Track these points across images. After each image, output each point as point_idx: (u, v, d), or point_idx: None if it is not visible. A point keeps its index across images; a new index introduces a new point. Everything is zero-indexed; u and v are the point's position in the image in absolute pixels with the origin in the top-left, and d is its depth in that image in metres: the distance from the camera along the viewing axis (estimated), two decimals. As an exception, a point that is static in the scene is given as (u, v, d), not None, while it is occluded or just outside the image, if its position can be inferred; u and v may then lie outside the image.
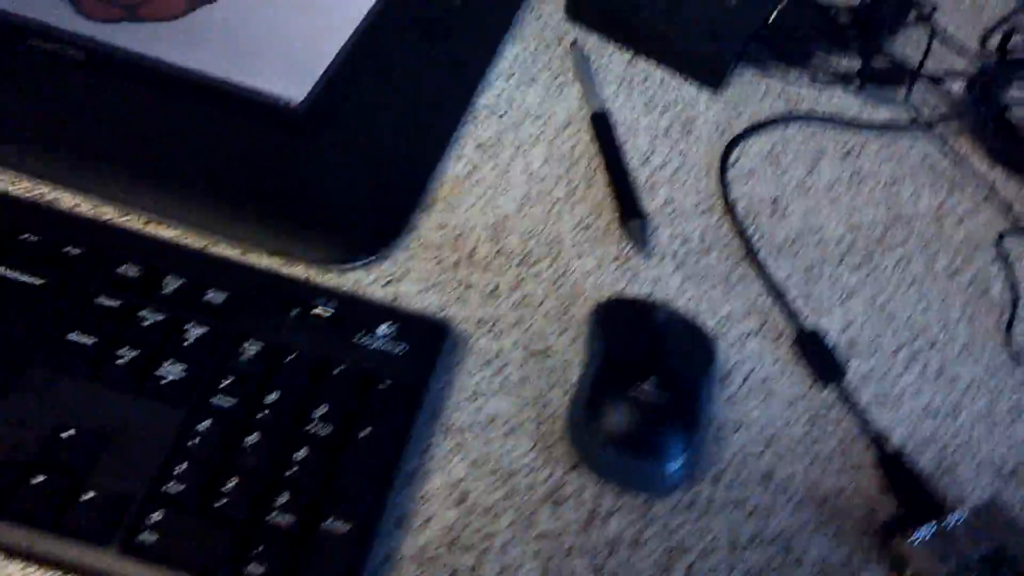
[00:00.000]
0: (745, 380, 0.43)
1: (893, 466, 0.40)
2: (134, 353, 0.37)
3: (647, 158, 0.52)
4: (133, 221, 0.43)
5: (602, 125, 0.52)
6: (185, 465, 0.34)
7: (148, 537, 0.33)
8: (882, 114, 0.57)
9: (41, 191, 0.44)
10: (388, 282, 0.44)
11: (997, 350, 0.46)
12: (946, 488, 0.41)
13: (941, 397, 0.44)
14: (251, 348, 0.38)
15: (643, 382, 0.38)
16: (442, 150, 0.49)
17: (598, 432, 0.37)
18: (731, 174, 0.52)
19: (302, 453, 0.35)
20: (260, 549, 0.33)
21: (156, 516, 0.33)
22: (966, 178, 0.54)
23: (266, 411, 0.36)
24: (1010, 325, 0.47)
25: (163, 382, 0.37)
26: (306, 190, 0.45)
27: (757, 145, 0.54)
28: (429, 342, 0.40)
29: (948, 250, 0.50)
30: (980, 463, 0.42)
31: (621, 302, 0.42)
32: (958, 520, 0.38)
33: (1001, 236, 0.51)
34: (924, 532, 0.37)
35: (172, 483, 0.34)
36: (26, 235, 0.40)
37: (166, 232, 0.43)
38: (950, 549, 0.37)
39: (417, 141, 0.49)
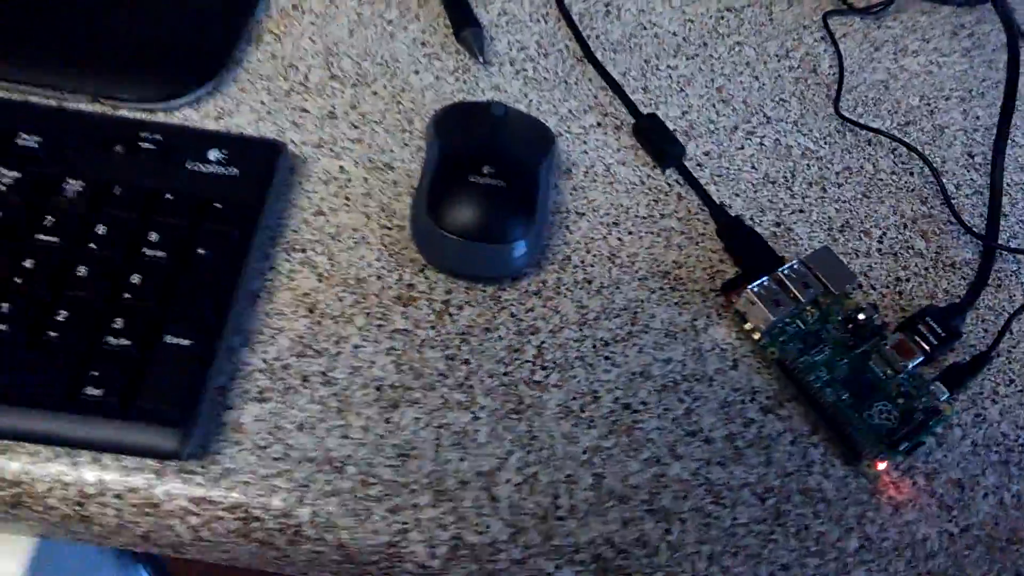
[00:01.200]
0: (588, 170, 0.41)
1: (731, 231, 0.39)
2: (-58, 204, 0.33)
3: (480, -27, 0.48)
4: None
5: (431, -57, 0.48)
6: (8, 305, 0.31)
7: (-24, 378, 0.30)
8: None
9: None
10: (219, 116, 0.40)
11: (827, 120, 0.45)
12: (784, 247, 0.40)
13: (778, 167, 0.43)
14: (73, 186, 0.34)
15: (480, 167, 0.35)
16: (264, -20, 0.45)
17: (438, 225, 0.35)
18: (565, -19, 0.49)
19: (136, 279, 0.33)
20: (96, 373, 0.30)
21: (-17, 357, 0.30)
22: (794, -35, 0.52)
23: (93, 244, 0.33)
24: (837, 97, 0.46)
25: (-21, 229, 0.33)
26: (123, 29, 0.41)
27: (590, -49, 0.50)
28: (263, 162, 0.37)
29: (778, 34, 0.49)
30: (814, 222, 0.41)
31: (457, 106, 0.40)
32: (789, 269, 0.37)
33: (826, 16, 0.50)
34: (758, 283, 0.36)
35: (-2, 324, 0.31)
36: None
37: (-29, 85, 0.39)
38: (783, 296, 0.36)
39: (237, -27, 0.44)
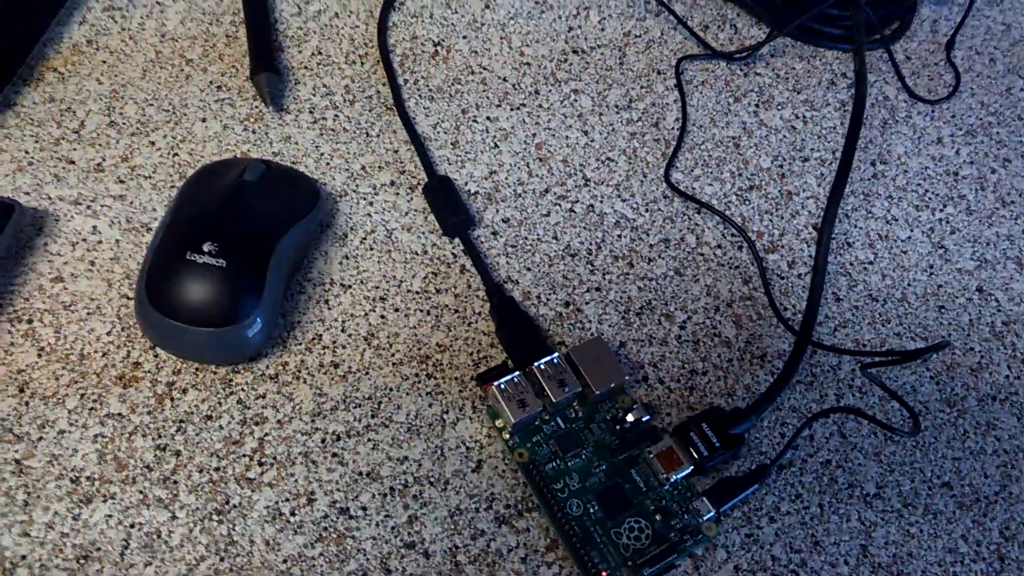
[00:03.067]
0: (368, 236, 0.39)
1: (503, 313, 0.37)
2: None
3: (302, 7, 0.46)
4: None
5: (248, -27, 0.46)
6: None
7: None
8: (576, -61, 0.52)
9: None
10: (-24, 165, 0.39)
11: (655, 184, 0.43)
12: (567, 332, 0.38)
13: (583, 237, 0.41)
14: None
15: (200, 246, 0.34)
16: (53, 14, 0.43)
17: (156, 307, 0.34)
18: (395, 18, 0.47)
19: None
20: None
21: None
22: (660, 4, 0.49)
23: None
24: (672, 159, 0.43)
25: None
26: None
27: (430, -17, 0.48)
28: (-9, 226, 0.36)
29: (625, 81, 0.46)
30: (610, 303, 0.39)
31: (214, 165, 0.38)
32: (547, 363, 0.35)
33: (680, 62, 0.47)
34: (508, 378, 0.34)
35: None
36: None
37: None
38: (530, 395, 0.34)
39: (22, 5, 0.43)
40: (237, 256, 0.34)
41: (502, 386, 0.34)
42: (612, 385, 0.35)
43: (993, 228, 0.44)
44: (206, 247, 0.34)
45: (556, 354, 0.35)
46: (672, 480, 0.34)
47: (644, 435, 0.35)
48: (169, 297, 0.33)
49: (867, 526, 0.35)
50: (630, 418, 0.35)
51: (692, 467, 0.34)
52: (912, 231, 0.43)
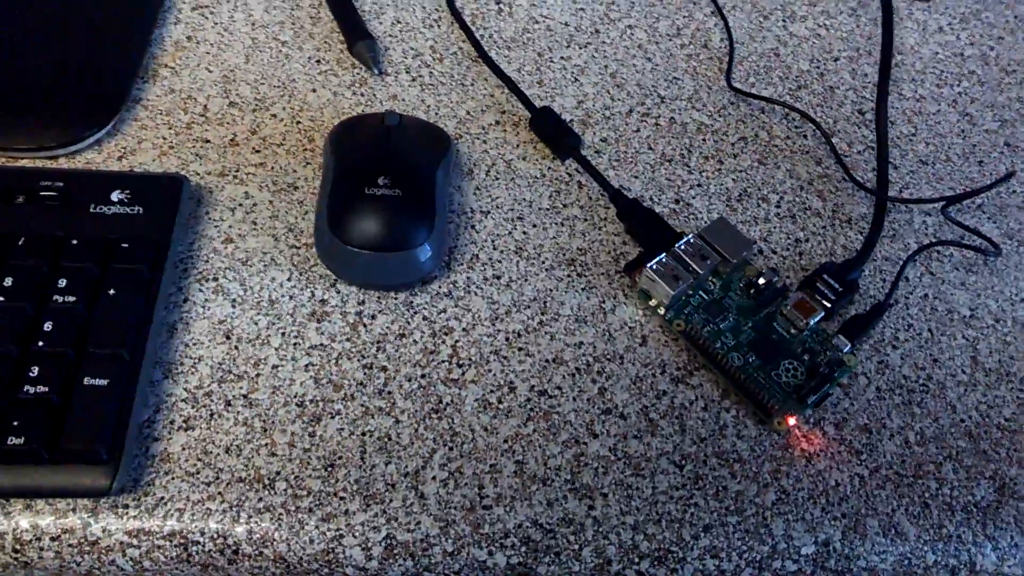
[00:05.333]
0: (490, 169, 0.43)
1: (630, 213, 0.41)
2: None
3: (370, -15, 0.50)
4: None
5: (318, -40, 0.49)
6: (-74, 366, 0.33)
7: (-101, 440, 0.31)
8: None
9: None
10: (122, 156, 0.41)
11: (720, 94, 0.48)
12: (684, 223, 0.42)
13: (674, 144, 0.45)
14: (-24, 243, 0.36)
15: (376, 179, 0.37)
16: (153, 17, 0.46)
17: (340, 240, 0.37)
18: (455, -16, 0.50)
19: (48, 326, 0.34)
20: (17, 423, 0.32)
21: (-96, 420, 0.32)
22: (679, -56, 0.54)
23: (1, 297, 0.34)
24: (729, 70, 0.48)
25: None
26: (15, 75, 0.42)
27: (478, -49, 0.52)
28: (166, 197, 0.38)
29: (668, 13, 0.51)
30: (713, 194, 0.44)
31: (352, 119, 0.41)
32: (685, 244, 0.39)
33: (714, -10, 0.52)
34: (655, 261, 0.39)
35: (-86, 386, 0.32)
36: None
37: None
38: (680, 270, 0.38)
39: (127, 12, 0.46)
40: (409, 187, 0.37)
41: (654, 266, 0.38)
42: (744, 254, 0.40)
43: (1004, 94, 0.50)
44: (380, 180, 0.37)
45: (690, 236, 0.40)
46: (810, 324, 0.39)
47: (776, 294, 0.40)
48: (354, 227, 0.37)
49: (970, 341, 0.40)
50: (761, 281, 0.39)
51: (823, 312, 0.39)
52: (940, 105, 0.49)
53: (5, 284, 0.35)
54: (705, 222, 0.42)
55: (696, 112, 0.47)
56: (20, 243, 0.36)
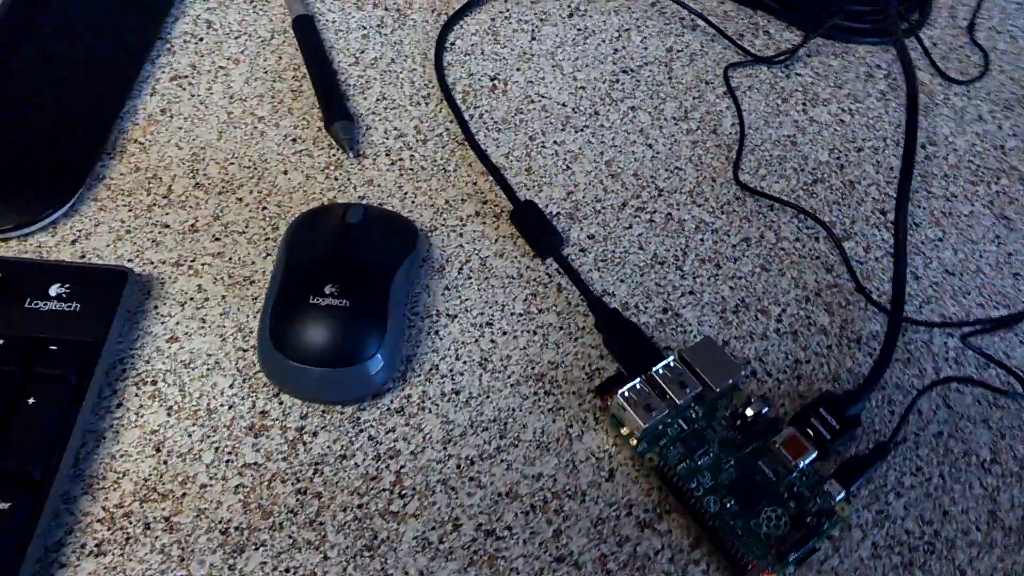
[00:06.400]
0: (463, 266, 0.40)
1: (609, 325, 0.37)
2: None
3: (358, 56, 0.47)
4: None
5: (304, 28, 0.47)
6: None
7: None
8: (607, -34, 0.53)
9: None
10: (75, 240, 0.39)
11: (726, 187, 0.43)
12: (671, 336, 0.38)
13: (668, 244, 0.41)
14: (-97, 338, 0.34)
15: (323, 288, 0.34)
16: (127, 90, 0.44)
17: (282, 352, 0.34)
18: (448, 58, 0.47)
19: (-40, 438, 0.32)
20: (-90, 548, 0.29)
21: None
22: (696, 18, 0.51)
23: (-81, 402, 0.32)
24: (737, 161, 0.44)
25: None
26: (-25, 158, 0.40)
27: (476, 21, 0.49)
28: (107, 293, 0.36)
29: (677, 94, 0.47)
30: (706, 304, 0.39)
31: (312, 213, 0.38)
32: (665, 367, 0.35)
33: (727, 70, 0.48)
34: (631, 385, 0.35)
35: None
36: None
37: None
38: (654, 399, 0.34)
39: (98, 85, 0.44)
40: (359, 296, 0.34)
41: (626, 393, 0.34)
42: (730, 381, 0.35)
43: (1049, 195, 0.45)
44: (328, 289, 0.34)
45: (671, 357, 0.36)
46: (800, 466, 0.34)
47: (765, 427, 0.35)
48: (296, 341, 0.34)
49: (990, 491, 0.35)
50: (749, 412, 0.35)
51: (817, 451, 0.34)
52: (973, 206, 0.44)
53: (-77, 387, 0.33)
54: (695, 336, 0.38)
55: (697, 208, 0.42)
56: (-53, 341, 0.34)
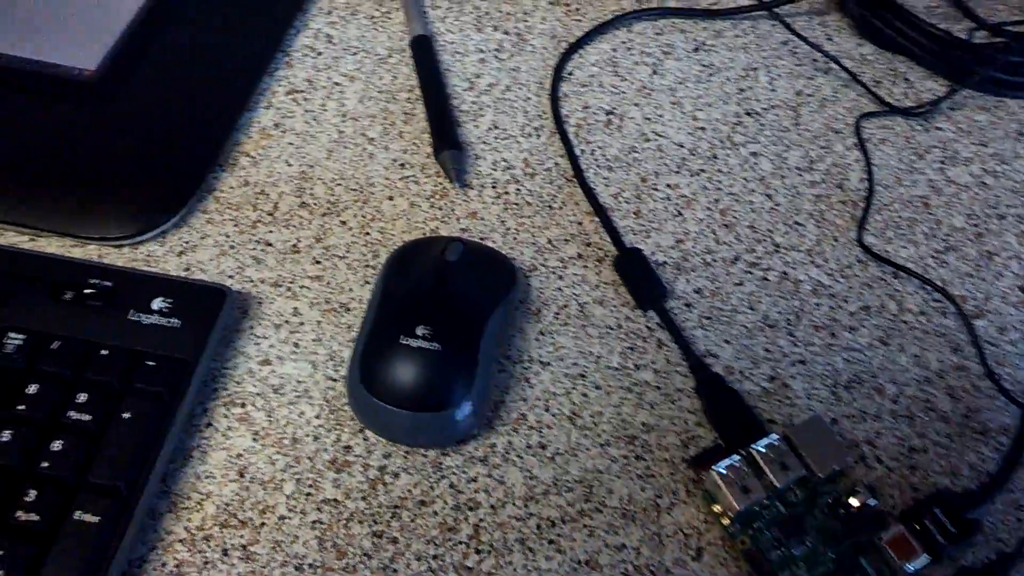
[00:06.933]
0: (561, 311, 0.38)
1: (711, 391, 0.35)
2: None
3: (473, 81, 0.46)
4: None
5: (422, 49, 0.46)
6: (-65, 471, 0.32)
7: None
8: (739, -1, 0.50)
9: None
10: (182, 252, 0.40)
11: (848, 248, 0.41)
12: (775, 408, 0.36)
13: (781, 306, 0.39)
14: (13, 340, 0.35)
15: (415, 329, 0.33)
16: (244, 102, 0.44)
17: (369, 391, 0.33)
18: (565, 88, 0.46)
19: (57, 446, 0.32)
20: (1, 552, 0.30)
21: (-99, 528, 0.31)
22: (829, 60, 0.47)
23: (22, 406, 0.33)
24: (863, 222, 0.41)
25: (-78, 385, 0.34)
26: (97, 163, 0.41)
27: (597, 51, 0.48)
28: (205, 312, 0.36)
29: (803, 141, 0.44)
30: (817, 376, 0.37)
31: (411, 246, 0.38)
32: (767, 446, 0.33)
33: (860, 120, 0.45)
34: (728, 462, 0.33)
35: (-79, 491, 0.31)
36: None
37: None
38: (753, 480, 0.32)
39: (218, 96, 0.44)
40: (450, 340, 0.33)
41: (723, 471, 0.32)
42: (836, 468, 0.33)
43: None
44: (419, 331, 0.33)
45: (775, 436, 0.33)
46: (908, 570, 0.31)
47: (870, 520, 0.33)
48: (384, 381, 0.33)
49: (1125, 620, 0.31)
50: (854, 502, 0.32)
51: (928, 556, 0.31)
52: None
53: (29, 392, 0.33)
54: (802, 409, 0.36)
55: (814, 268, 0.40)
56: (55, 347, 0.34)
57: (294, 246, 0.40)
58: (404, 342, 0.33)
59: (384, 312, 0.35)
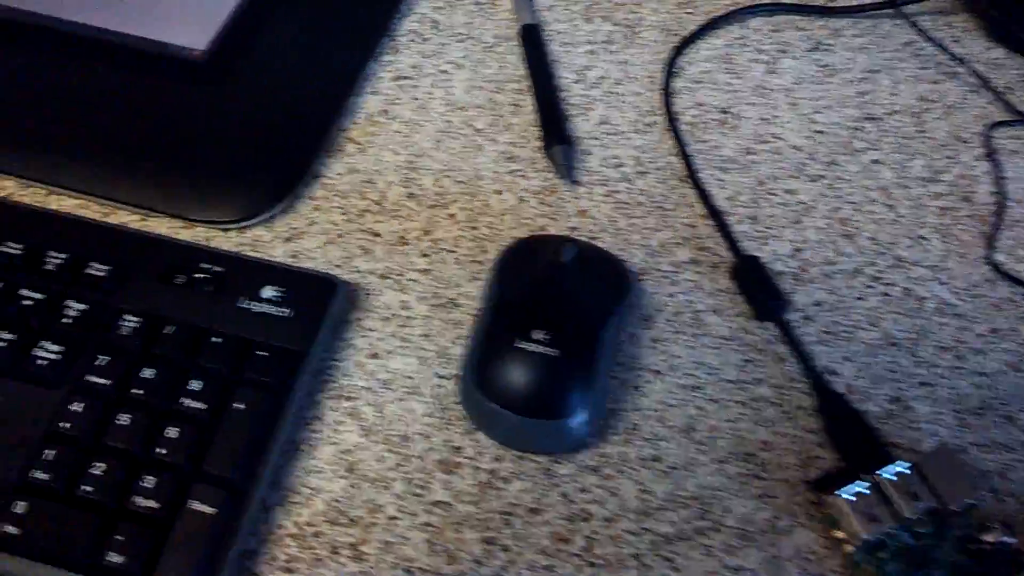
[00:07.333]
0: (674, 318, 0.37)
1: (833, 410, 0.34)
2: (10, 336, 0.34)
3: (583, 73, 0.45)
4: (33, 194, 0.40)
5: (531, 39, 0.45)
6: (54, 451, 0.32)
7: (11, 530, 0.30)
8: (861, -4, 0.48)
9: (-59, 168, 0.41)
10: (289, 238, 0.39)
11: (976, 266, 0.39)
12: (897, 431, 0.34)
13: (904, 324, 0.37)
14: (129, 322, 0.35)
15: (532, 333, 0.32)
16: (351, 87, 0.43)
17: (484, 394, 0.32)
18: (677, 84, 0.44)
19: (172, 432, 0.32)
20: (121, 536, 0.30)
21: (20, 507, 0.31)
22: (956, 63, 0.45)
23: (139, 389, 0.33)
24: (993, 237, 0.39)
25: (39, 363, 0.34)
26: (206, 145, 0.41)
27: (710, 46, 0.46)
28: (315, 302, 0.36)
29: (927, 150, 0.42)
30: (942, 400, 0.35)
31: (524, 244, 0.37)
32: (896, 474, 0.32)
33: (991, 128, 0.43)
34: (855, 488, 0.31)
35: (39, 471, 0.31)
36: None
37: (65, 202, 0.40)
38: (881, 509, 0.31)
39: (326, 80, 0.43)
40: (568, 346, 0.32)
41: (851, 497, 0.31)
42: (970, 502, 0.31)
43: None
44: (537, 335, 0.32)
45: (904, 463, 0.32)
46: (1044, 613, 0.30)
47: (1006, 560, 0.31)
48: (500, 385, 0.32)
49: None
50: (989, 539, 0.31)
51: (1066, 599, 0.30)
52: None
53: (145, 376, 0.33)
54: (926, 434, 0.34)
55: (939, 286, 0.38)
56: (169, 331, 0.34)
57: (402, 238, 0.39)
58: (521, 345, 0.32)
59: (499, 313, 0.34)
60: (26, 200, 0.40)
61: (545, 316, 0.33)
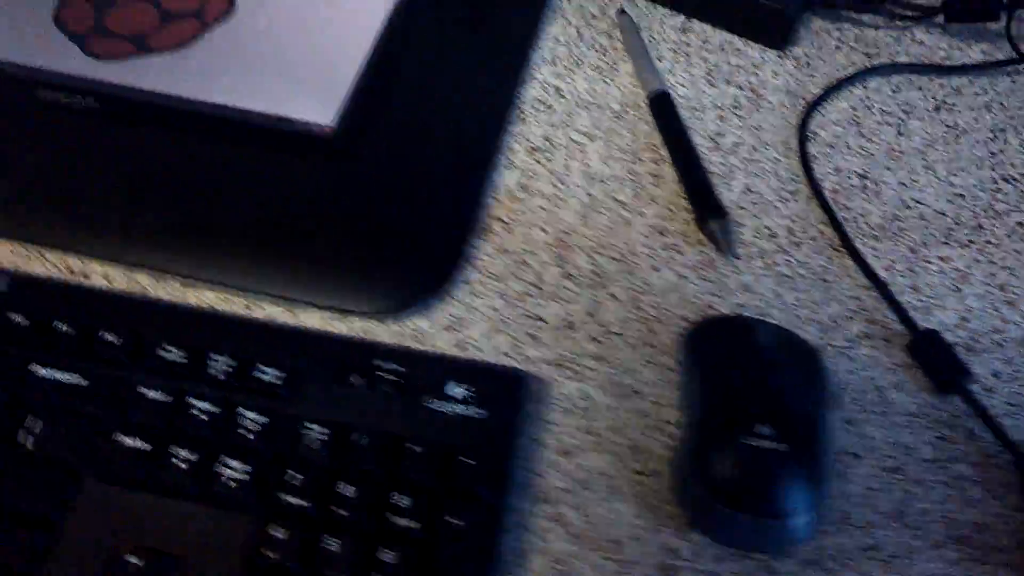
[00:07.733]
0: (860, 396, 0.36)
1: (1041, 488, 0.34)
2: (190, 455, 0.32)
3: (716, 140, 0.44)
4: (169, 287, 0.38)
5: (663, 107, 0.44)
6: (261, 588, 0.29)
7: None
8: (976, 52, 0.48)
9: (69, 263, 0.38)
10: (450, 326, 0.38)
11: None
12: (1102, 505, 0.34)
13: (1081, 392, 0.37)
14: (313, 431, 0.32)
15: (755, 425, 0.31)
16: (491, 160, 0.42)
17: (710, 492, 0.31)
18: (812, 147, 0.44)
19: (389, 556, 0.30)
20: None
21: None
22: (1077, 121, 0.46)
23: (342, 508, 0.31)
24: None
25: (227, 484, 0.31)
26: (351, 228, 0.39)
27: (836, 108, 0.46)
28: (505, 398, 0.34)
29: (1067, 211, 0.43)
30: None
31: (714, 323, 0.36)
32: None
33: None
34: (1092, 573, 0.31)
35: (249, 609, 0.29)
36: (60, 323, 0.35)
37: (205, 294, 0.38)
38: (1126, 593, 0.30)
39: (463, 154, 0.42)
40: (796, 440, 0.31)
41: (1092, 584, 0.31)
42: None
43: None
44: (760, 428, 0.31)
45: None
46: None
47: None
48: (729, 484, 0.31)
49: None
50: None
51: None
52: None
53: (346, 493, 0.31)
54: None
55: (1109, 350, 0.38)
56: (362, 441, 0.32)
57: (568, 322, 0.38)
58: (746, 441, 0.31)
59: (712, 406, 0.33)
60: (163, 296, 0.38)
61: (762, 408, 0.32)
